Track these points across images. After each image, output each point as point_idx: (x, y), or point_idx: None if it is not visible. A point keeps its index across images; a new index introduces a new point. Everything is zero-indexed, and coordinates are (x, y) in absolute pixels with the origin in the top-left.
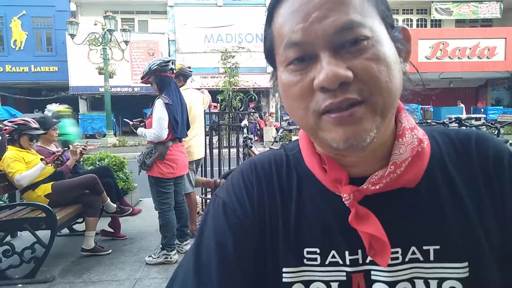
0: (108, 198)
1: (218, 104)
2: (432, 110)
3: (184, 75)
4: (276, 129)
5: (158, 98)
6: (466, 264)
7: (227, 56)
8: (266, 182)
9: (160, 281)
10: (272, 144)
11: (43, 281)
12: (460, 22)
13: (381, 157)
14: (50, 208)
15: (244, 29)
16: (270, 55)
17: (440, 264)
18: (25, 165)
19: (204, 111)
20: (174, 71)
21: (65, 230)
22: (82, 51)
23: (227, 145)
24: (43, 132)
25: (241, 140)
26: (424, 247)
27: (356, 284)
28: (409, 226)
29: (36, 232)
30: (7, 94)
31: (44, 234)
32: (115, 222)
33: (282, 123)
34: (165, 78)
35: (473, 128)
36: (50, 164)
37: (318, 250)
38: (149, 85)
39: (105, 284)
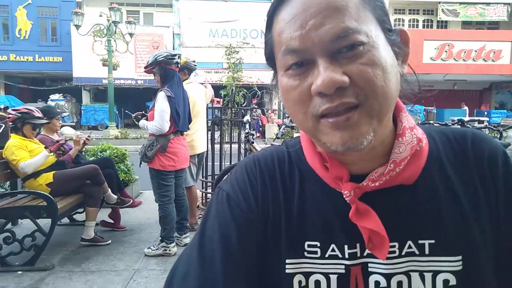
0: (109, 189)
1: (221, 99)
2: (435, 111)
3: (188, 68)
4: (278, 126)
5: (161, 90)
6: (460, 257)
7: (231, 51)
8: (269, 178)
9: (158, 273)
10: (273, 141)
11: (43, 269)
12: (466, 24)
13: (381, 155)
14: (51, 197)
15: (249, 25)
16: (270, 59)
17: (435, 257)
18: (28, 153)
19: (207, 105)
20: (179, 66)
21: (66, 220)
22: (87, 42)
23: (228, 140)
24: (46, 121)
25: (242, 135)
26: (420, 241)
27: (354, 276)
28: (406, 221)
29: (36, 220)
30: (11, 83)
31: (44, 223)
32: (115, 213)
33: (284, 120)
34: (169, 71)
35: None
36: (52, 154)
37: (318, 244)
38: (151, 75)
39: (103, 274)
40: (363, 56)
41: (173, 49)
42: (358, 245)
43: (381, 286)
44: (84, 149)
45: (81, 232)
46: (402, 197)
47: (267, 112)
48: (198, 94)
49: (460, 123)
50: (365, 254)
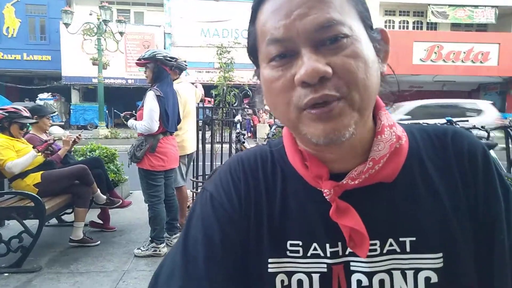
0: (98, 189)
1: (212, 99)
2: None
3: (179, 68)
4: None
5: (150, 90)
6: (441, 255)
7: (222, 51)
8: (252, 177)
9: (148, 274)
10: (264, 141)
11: (30, 270)
12: (455, 26)
13: (360, 153)
14: (39, 198)
15: (241, 25)
16: (253, 52)
17: (416, 255)
18: (15, 153)
19: (198, 104)
20: (173, 69)
21: (54, 221)
22: (76, 41)
23: (219, 140)
24: (34, 121)
25: (234, 135)
26: (401, 239)
27: (336, 275)
28: (387, 219)
29: (24, 221)
30: None
31: (32, 224)
32: (105, 213)
33: (275, 120)
34: (163, 71)
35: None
36: (40, 153)
37: (300, 243)
38: (142, 75)
39: (92, 275)
40: (346, 48)
41: (164, 48)
42: (340, 243)
43: (363, 285)
44: (73, 149)
45: (70, 233)
46: (382, 194)
47: (258, 112)
48: (189, 94)
49: (449, 123)
50: (347, 253)
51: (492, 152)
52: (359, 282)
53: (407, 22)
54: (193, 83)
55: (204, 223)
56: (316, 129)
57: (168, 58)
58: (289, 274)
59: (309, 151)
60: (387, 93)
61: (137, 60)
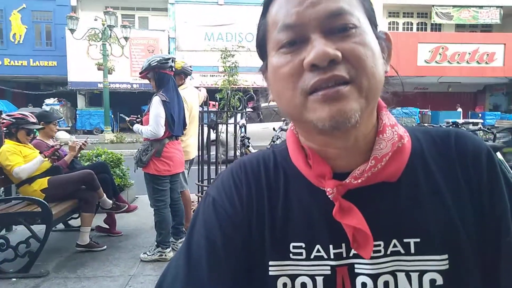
0: (104, 194)
1: (217, 103)
2: (430, 114)
3: (185, 73)
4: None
5: (156, 95)
6: (446, 256)
7: (226, 55)
8: (254, 181)
9: (154, 278)
10: (269, 144)
11: (37, 275)
12: (460, 27)
13: (363, 151)
14: (46, 203)
15: (245, 28)
16: (261, 45)
17: (421, 256)
18: (23, 159)
19: (202, 107)
20: (174, 69)
21: (61, 225)
22: (82, 46)
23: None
24: (41, 126)
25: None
26: (405, 240)
27: (340, 278)
28: (391, 219)
29: (31, 226)
30: (5, 88)
31: (39, 229)
32: (111, 218)
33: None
34: (164, 76)
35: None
36: (47, 159)
37: (303, 245)
38: (147, 80)
39: (99, 280)
40: (355, 37)
41: (169, 52)
42: (343, 245)
43: (368, 287)
44: (79, 154)
45: (76, 238)
46: (386, 194)
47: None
48: (194, 99)
49: (454, 125)
50: (351, 254)
51: (498, 154)
52: (363, 284)
53: (411, 24)
54: (197, 87)
55: (207, 227)
56: (322, 111)
57: (163, 61)
58: (293, 277)
59: (312, 147)
60: (389, 96)
61: (139, 74)
